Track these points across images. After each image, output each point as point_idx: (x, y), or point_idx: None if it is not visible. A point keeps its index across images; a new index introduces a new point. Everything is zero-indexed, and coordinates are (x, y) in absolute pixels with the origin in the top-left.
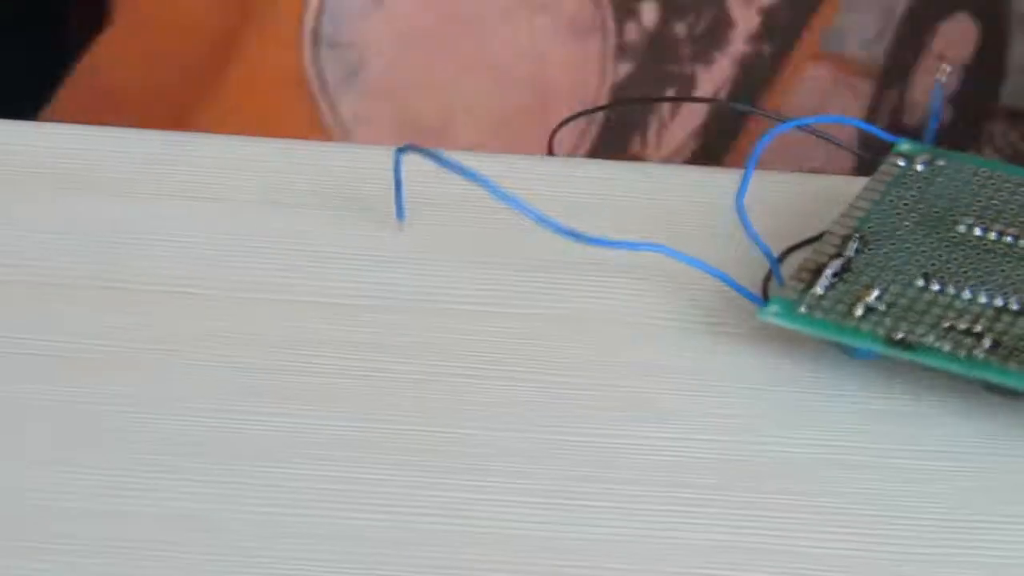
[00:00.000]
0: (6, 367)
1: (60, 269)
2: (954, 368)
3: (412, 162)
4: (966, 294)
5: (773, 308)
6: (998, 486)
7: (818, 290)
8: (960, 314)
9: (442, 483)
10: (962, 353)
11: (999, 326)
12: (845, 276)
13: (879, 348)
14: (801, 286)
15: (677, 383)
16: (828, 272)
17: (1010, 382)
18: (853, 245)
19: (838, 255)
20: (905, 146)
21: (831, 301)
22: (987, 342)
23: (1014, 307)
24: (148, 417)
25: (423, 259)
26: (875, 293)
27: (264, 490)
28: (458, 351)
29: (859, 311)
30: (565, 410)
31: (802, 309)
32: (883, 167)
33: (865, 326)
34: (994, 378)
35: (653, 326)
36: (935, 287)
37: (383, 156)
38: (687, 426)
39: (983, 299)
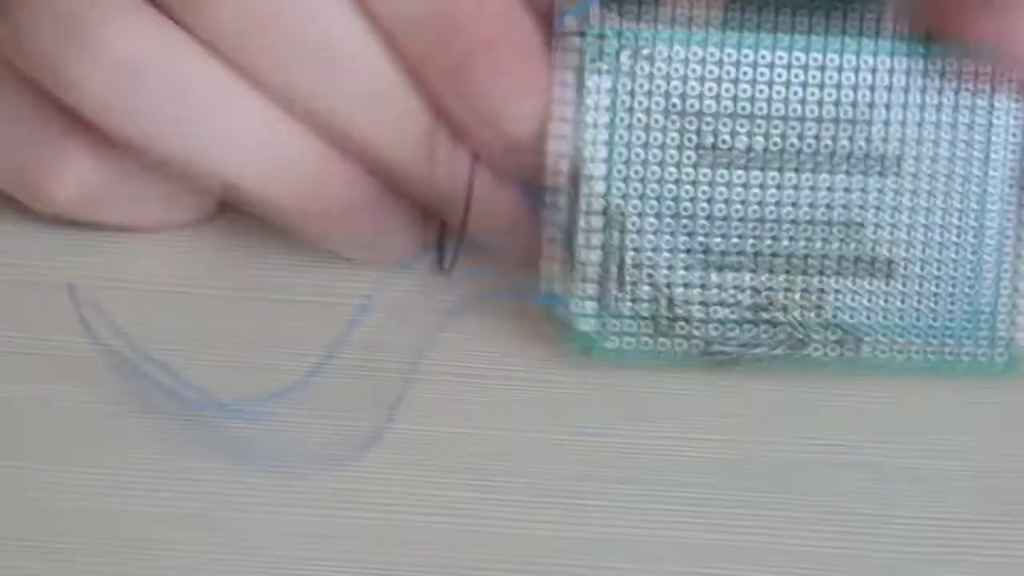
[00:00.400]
0: (6, 367)
1: (60, 269)
2: (776, 367)
3: None
4: (753, 264)
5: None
6: (999, 486)
7: (614, 311)
8: (758, 291)
9: (442, 483)
10: (770, 356)
11: (797, 300)
12: (627, 278)
13: (704, 366)
14: (596, 307)
15: (677, 383)
16: (614, 287)
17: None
18: (615, 229)
19: (607, 248)
20: (572, 21)
21: (632, 320)
22: (797, 330)
23: (805, 263)
24: (148, 417)
25: (422, 259)
26: (664, 299)
27: (263, 490)
28: (458, 351)
29: (663, 326)
30: (564, 409)
31: (610, 345)
32: (581, 63)
33: (677, 344)
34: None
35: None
36: (722, 269)
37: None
38: (686, 426)
39: (774, 273)
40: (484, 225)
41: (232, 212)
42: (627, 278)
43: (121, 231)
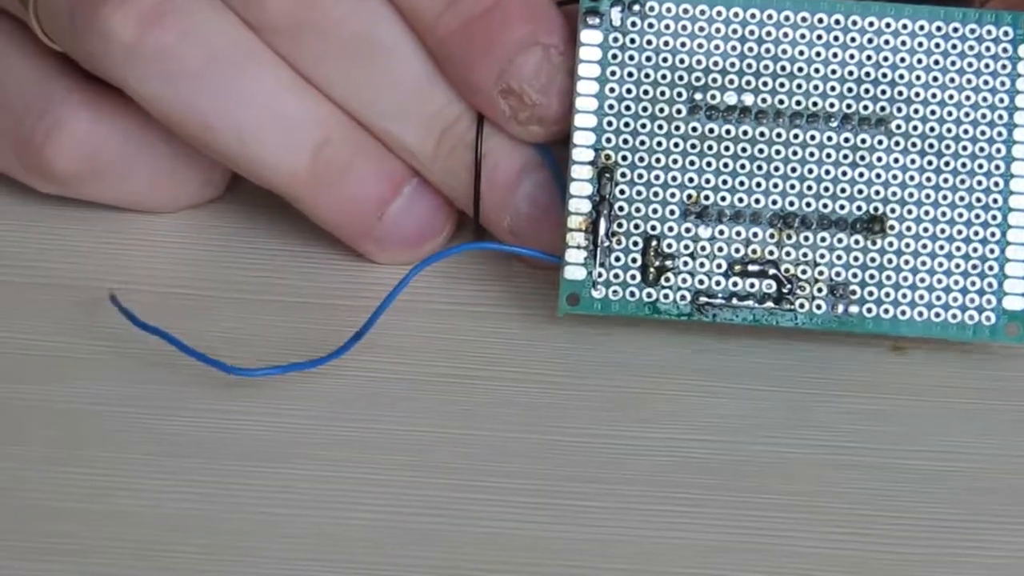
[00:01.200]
0: (6, 367)
1: (60, 269)
2: (761, 324)
3: None
4: (744, 223)
5: (570, 299)
6: (998, 486)
7: (601, 260)
8: (748, 245)
9: (441, 483)
10: (756, 312)
11: (786, 255)
12: (615, 230)
13: (689, 319)
14: (585, 256)
15: (677, 383)
16: (602, 235)
17: (790, 325)
18: (605, 180)
19: (596, 197)
20: None
21: (620, 269)
22: (772, 286)
23: (797, 220)
24: (148, 417)
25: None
26: (652, 250)
27: (264, 490)
28: (458, 351)
29: (651, 276)
30: (565, 410)
31: (597, 294)
32: (581, 38)
33: (664, 296)
34: (781, 325)
35: (647, 324)
36: (710, 222)
37: None
38: (687, 426)
39: (762, 228)
40: (502, 221)
41: (234, 214)
42: (616, 229)
43: (126, 211)
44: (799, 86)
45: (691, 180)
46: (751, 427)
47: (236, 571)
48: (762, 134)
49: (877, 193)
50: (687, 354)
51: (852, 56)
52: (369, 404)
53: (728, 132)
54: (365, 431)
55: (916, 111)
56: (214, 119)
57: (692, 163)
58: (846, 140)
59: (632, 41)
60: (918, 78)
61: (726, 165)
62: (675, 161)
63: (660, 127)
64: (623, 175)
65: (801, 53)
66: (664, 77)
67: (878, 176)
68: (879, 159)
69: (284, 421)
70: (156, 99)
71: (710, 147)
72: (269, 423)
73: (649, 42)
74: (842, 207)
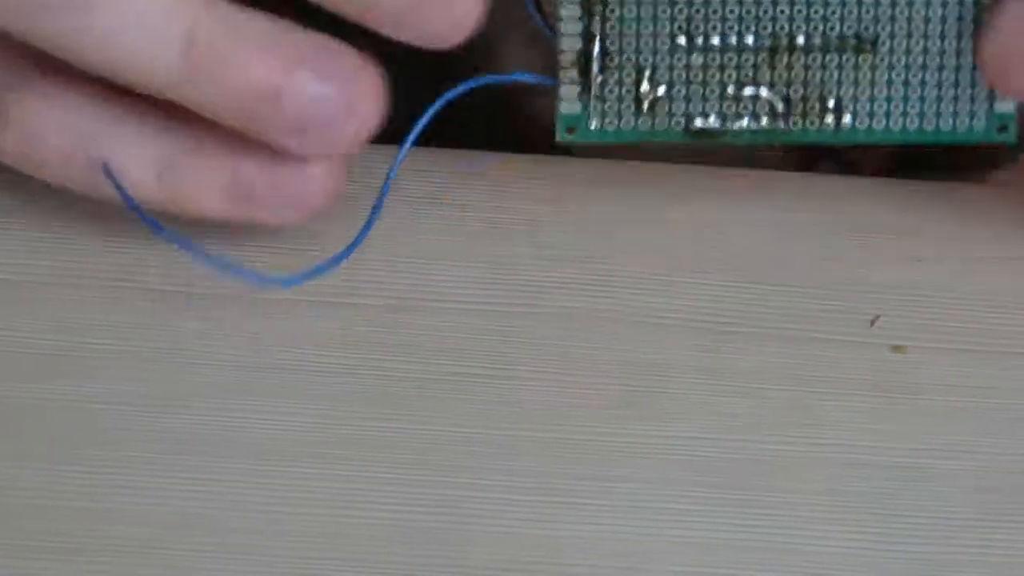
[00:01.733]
0: (6, 366)
1: (60, 268)
2: (757, 143)
3: (414, 162)
4: (735, 42)
5: (568, 130)
6: (1001, 485)
7: (595, 93)
8: (739, 70)
9: (442, 482)
10: (756, 126)
11: (779, 76)
12: (607, 62)
13: (685, 142)
14: (579, 90)
15: (678, 382)
16: (595, 70)
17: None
18: (595, 14)
19: (587, 36)
20: None
21: (614, 101)
22: (778, 103)
23: (796, 41)
24: (148, 417)
25: (422, 258)
26: (646, 80)
27: (264, 490)
28: (458, 351)
29: (645, 106)
30: (565, 409)
31: (593, 125)
32: None
33: (659, 123)
34: (795, 141)
35: (654, 324)
36: (700, 42)
37: (381, 155)
38: (687, 426)
39: (753, 52)
40: None
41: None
42: (607, 62)
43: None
44: None
45: (680, 11)
46: (757, 426)
47: (242, 570)
48: None
49: (868, 12)
50: (693, 353)
51: None
52: (377, 403)
53: None
54: (372, 430)
55: None
56: (76, 31)
57: None
58: None
59: None
60: None
61: None
62: None
63: None
64: (612, 9)
65: None
66: None
67: None
68: None
69: (292, 419)
70: (18, 26)
71: None
72: (270, 423)
73: None
74: (832, 28)
